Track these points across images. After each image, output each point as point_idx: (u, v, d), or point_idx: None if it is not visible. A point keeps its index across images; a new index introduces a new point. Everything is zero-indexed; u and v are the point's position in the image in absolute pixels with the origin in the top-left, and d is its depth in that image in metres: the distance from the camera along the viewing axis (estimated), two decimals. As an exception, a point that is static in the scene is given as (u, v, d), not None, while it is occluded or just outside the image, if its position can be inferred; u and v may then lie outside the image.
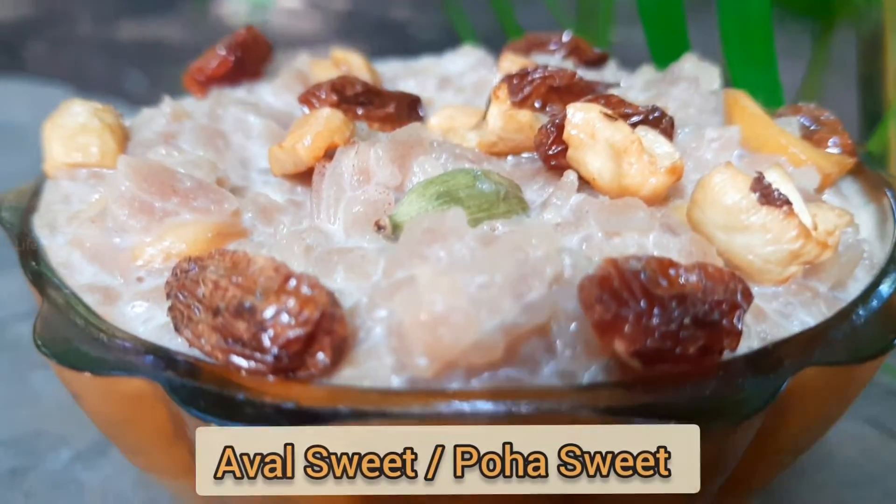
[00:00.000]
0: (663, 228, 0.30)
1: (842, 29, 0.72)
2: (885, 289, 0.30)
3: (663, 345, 0.24)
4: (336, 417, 0.24)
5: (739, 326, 0.25)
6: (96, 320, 0.29)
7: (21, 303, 0.61)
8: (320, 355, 0.25)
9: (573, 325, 0.26)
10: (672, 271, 0.26)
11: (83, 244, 0.32)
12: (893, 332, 0.28)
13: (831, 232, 0.30)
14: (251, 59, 0.47)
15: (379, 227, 0.31)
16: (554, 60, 0.49)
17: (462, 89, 0.48)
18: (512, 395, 0.24)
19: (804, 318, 0.29)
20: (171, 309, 0.27)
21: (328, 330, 0.25)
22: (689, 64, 0.45)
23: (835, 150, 0.39)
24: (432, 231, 0.28)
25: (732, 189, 0.30)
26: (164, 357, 0.27)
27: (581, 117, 0.34)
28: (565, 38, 0.51)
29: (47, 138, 0.37)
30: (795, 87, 0.69)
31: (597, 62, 0.51)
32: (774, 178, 0.31)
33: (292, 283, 0.26)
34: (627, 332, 0.24)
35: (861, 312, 0.29)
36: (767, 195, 0.30)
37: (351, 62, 0.48)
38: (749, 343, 0.28)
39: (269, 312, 0.25)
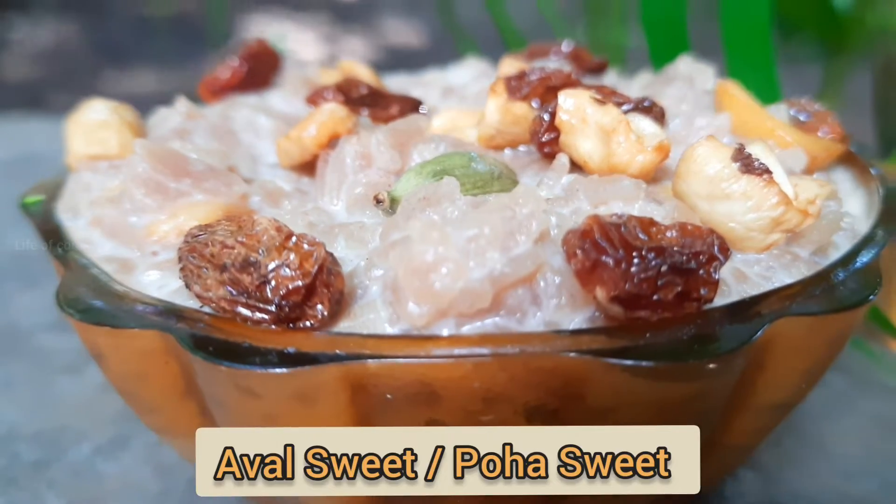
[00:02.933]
0: (649, 198, 0.32)
1: (854, 56, 0.73)
2: (866, 252, 0.31)
3: (641, 290, 0.25)
4: (334, 360, 0.26)
5: (716, 276, 0.26)
6: (113, 282, 0.30)
7: (46, 314, 0.64)
8: (319, 307, 0.27)
9: (558, 279, 0.27)
10: (653, 229, 0.27)
11: (102, 222, 0.34)
12: (871, 288, 0.29)
13: (812, 200, 0.32)
14: (262, 69, 0.50)
15: (378, 201, 0.33)
16: (553, 65, 0.51)
17: (465, 98, 0.51)
18: (499, 341, 0.26)
19: (785, 280, 0.30)
20: (182, 269, 0.29)
21: (326, 283, 0.27)
22: (685, 64, 0.47)
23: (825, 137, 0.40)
24: (427, 199, 0.30)
25: (714, 159, 0.31)
26: (174, 311, 0.28)
27: (572, 103, 0.36)
28: (565, 48, 0.53)
29: (70, 134, 0.39)
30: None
31: (597, 70, 0.53)
32: (756, 151, 0.32)
33: (293, 239, 0.27)
34: (607, 278, 0.25)
35: (841, 272, 0.30)
36: (748, 164, 0.31)
37: (358, 73, 0.50)
38: (730, 301, 0.29)
39: (271, 265, 0.27)
